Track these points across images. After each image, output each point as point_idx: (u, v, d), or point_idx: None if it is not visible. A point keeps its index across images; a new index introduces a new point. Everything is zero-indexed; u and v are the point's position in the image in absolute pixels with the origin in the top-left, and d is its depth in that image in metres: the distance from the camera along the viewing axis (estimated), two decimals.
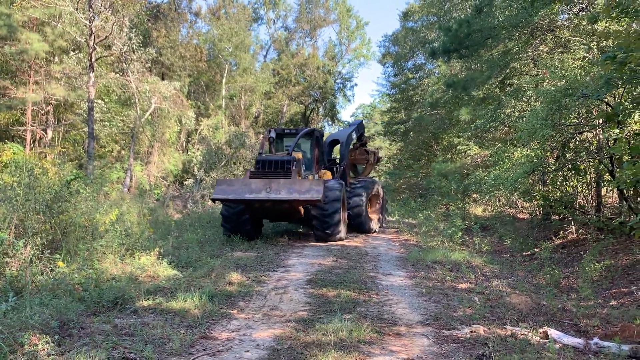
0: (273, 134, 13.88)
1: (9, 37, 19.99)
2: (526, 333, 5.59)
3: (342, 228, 13.07)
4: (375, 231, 15.63)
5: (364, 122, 18.04)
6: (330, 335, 5.33)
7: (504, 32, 13.35)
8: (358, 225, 14.88)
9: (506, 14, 13.53)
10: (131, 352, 4.67)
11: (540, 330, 5.70)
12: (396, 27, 56.37)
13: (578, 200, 12.42)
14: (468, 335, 5.52)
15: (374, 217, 16.02)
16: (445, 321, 6.06)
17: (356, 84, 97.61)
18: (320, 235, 12.84)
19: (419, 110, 31.79)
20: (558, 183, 12.18)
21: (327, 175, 14.98)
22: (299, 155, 13.58)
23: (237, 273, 8.50)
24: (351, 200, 14.60)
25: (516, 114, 14.43)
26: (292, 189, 11.48)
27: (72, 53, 21.99)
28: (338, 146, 16.37)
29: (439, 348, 5.17)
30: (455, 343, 5.32)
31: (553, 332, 5.61)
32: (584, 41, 11.73)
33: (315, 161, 14.71)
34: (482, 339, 5.35)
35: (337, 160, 16.46)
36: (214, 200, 11.99)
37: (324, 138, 16.20)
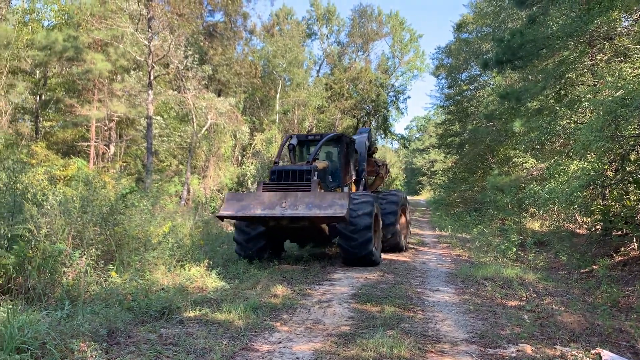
0: (294, 141, 12.21)
1: (75, 57, 21.24)
2: (576, 354, 5.34)
3: (376, 249, 11.25)
4: (406, 249, 14.43)
5: (372, 131, 16.19)
6: (370, 350, 5.28)
7: (558, 41, 12.95)
8: (391, 244, 13.44)
9: (560, 23, 13.12)
10: None
11: (593, 351, 5.44)
12: (450, 39, 55.73)
13: None
14: (514, 355, 5.34)
15: (404, 233, 14.76)
16: (491, 339, 5.88)
17: (409, 97, 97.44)
18: (348, 259, 10.99)
19: (474, 122, 31.20)
20: (618, 197, 11.61)
21: (352, 188, 13.55)
22: (322, 164, 11.80)
23: (283, 285, 8.59)
24: (384, 216, 12.83)
25: (572, 125, 13.92)
26: (311, 203, 9.64)
27: (132, 72, 23.06)
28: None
29: None
30: None
31: (606, 354, 5.34)
32: None
33: (345, 172, 12.86)
34: (528, 359, 5.17)
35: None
36: (220, 217, 10.34)
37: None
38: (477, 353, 5.43)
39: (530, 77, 19.05)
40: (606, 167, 11.20)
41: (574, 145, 11.05)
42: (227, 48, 30.16)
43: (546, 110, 16.28)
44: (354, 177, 13.56)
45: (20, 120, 27.01)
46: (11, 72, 22.88)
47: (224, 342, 5.49)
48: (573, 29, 12.43)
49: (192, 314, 6.56)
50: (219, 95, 27.61)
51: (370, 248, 10.67)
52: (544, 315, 7.01)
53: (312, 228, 10.61)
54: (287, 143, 12.19)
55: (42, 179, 11.12)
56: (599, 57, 13.92)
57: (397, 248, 13.73)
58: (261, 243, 10.93)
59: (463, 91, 33.99)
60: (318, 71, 45.11)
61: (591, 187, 11.42)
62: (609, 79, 10.53)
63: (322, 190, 10.77)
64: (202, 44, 26.90)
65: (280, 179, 10.89)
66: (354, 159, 13.72)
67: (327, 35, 45.58)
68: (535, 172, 16.96)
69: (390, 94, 46.10)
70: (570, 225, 16.18)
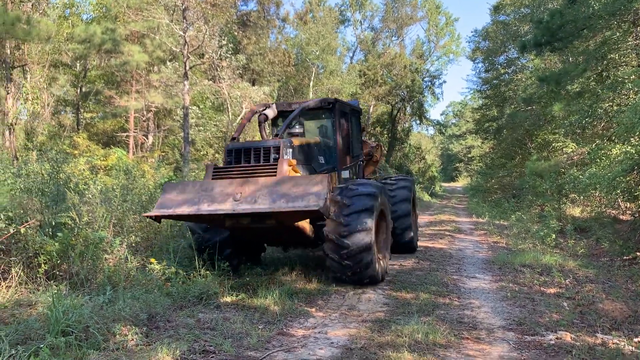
0: (270, 112, 8.54)
1: (113, 50, 21.65)
2: (618, 342, 5.22)
3: (379, 261, 7.93)
4: (416, 247, 11.72)
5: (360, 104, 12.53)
6: (405, 337, 5.28)
7: (600, 21, 12.50)
8: (403, 242, 10.66)
9: (602, 2, 12.65)
10: (211, 345, 4.91)
11: (636, 339, 5.31)
12: (486, 21, 54.50)
13: None
14: (552, 342, 5.25)
15: (415, 227, 11.85)
16: (529, 327, 5.81)
17: (445, 82, 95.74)
18: (337, 274, 7.65)
19: (512, 106, 30.53)
20: None
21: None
22: (313, 140, 8.93)
23: (318, 272, 8.64)
24: (396, 208, 10.33)
25: (614, 108, 13.44)
26: (276, 193, 6.51)
27: (168, 63, 23.38)
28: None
29: (519, 354, 4.96)
30: (537, 349, 5.08)
31: None
32: None
33: (345, 150, 9.67)
34: (568, 347, 5.08)
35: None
36: (153, 218, 7.03)
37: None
38: (514, 340, 5.36)
39: (570, 59, 18.49)
40: None
41: (616, 128, 10.68)
42: (261, 37, 30.20)
43: (587, 93, 15.78)
44: (360, 159, 10.65)
45: (62, 112, 27.88)
46: (53, 66, 23.57)
47: (260, 327, 5.58)
48: (616, 8, 11.99)
49: (228, 299, 6.69)
50: (253, 84, 27.72)
51: (369, 259, 7.40)
52: (584, 303, 6.86)
53: (281, 228, 7.31)
54: (259, 112, 8.54)
55: (83, 169, 11.47)
56: None
57: (409, 247, 11.04)
58: (227, 249, 8.14)
59: (500, 75, 33.26)
60: (351, 58, 44.78)
61: (635, 172, 11.05)
62: None
63: (299, 174, 7.53)
64: (236, 33, 27.04)
65: (239, 160, 7.73)
66: (356, 134, 10.58)
67: (360, 21, 45.13)
68: (575, 157, 16.51)
69: (425, 79, 45.41)
70: (613, 211, 15.72)
